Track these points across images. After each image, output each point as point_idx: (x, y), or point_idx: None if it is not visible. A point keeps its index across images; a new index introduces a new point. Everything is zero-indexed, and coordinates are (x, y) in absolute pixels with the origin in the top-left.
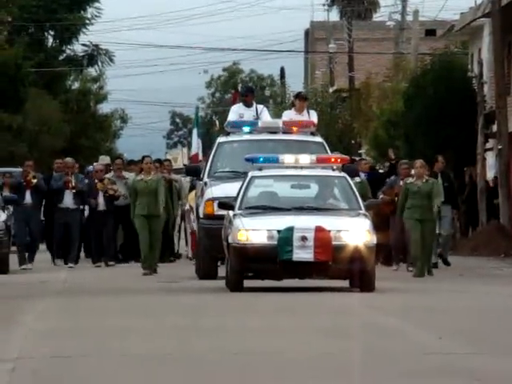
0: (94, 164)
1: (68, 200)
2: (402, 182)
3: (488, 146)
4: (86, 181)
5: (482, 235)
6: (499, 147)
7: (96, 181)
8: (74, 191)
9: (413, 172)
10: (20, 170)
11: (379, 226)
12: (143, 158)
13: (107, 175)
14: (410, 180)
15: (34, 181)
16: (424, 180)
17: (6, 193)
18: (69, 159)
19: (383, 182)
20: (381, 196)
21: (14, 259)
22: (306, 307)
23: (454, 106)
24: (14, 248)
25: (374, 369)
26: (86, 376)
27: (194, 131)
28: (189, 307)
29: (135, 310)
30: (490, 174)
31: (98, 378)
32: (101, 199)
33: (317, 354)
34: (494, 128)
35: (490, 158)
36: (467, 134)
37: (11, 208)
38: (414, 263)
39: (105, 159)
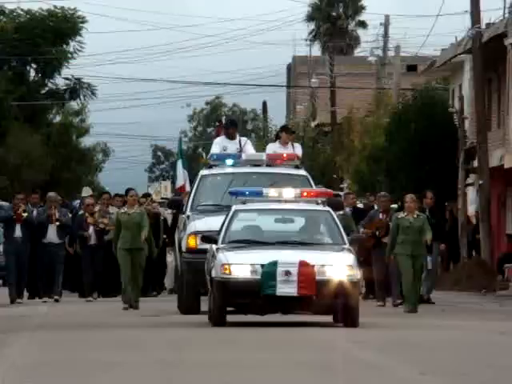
0: (84, 196)
1: (52, 234)
2: (381, 215)
3: (469, 180)
4: (70, 215)
5: (463, 270)
6: (480, 182)
7: (87, 214)
8: (57, 224)
9: (393, 205)
10: (4, 203)
11: (363, 260)
12: (127, 190)
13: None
14: (401, 215)
15: (25, 214)
16: (415, 215)
17: None
18: (51, 193)
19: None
20: (361, 230)
21: None
22: (288, 341)
23: (436, 141)
24: None
25: None
26: None
27: (179, 162)
28: (172, 341)
29: (118, 343)
30: (471, 209)
31: None
32: (92, 233)
33: None
34: (475, 163)
35: (471, 193)
36: (448, 169)
37: None
38: (408, 299)
39: (88, 191)
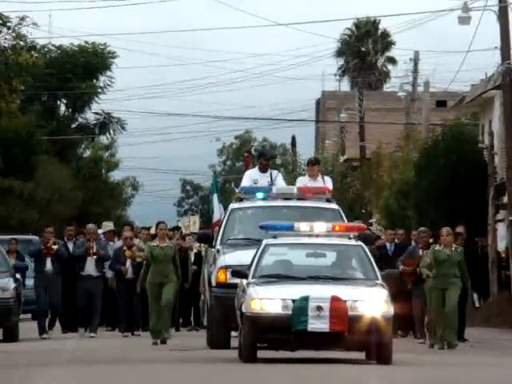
0: (103, 232)
1: (90, 267)
2: (421, 251)
3: (499, 217)
4: (109, 247)
5: (493, 306)
6: (510, 218)
7: (125, 248)
8: (95, 257)
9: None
10: (34, 237)
11: (398, 296)
12: (158, 224)
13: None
14: (438, 247)
15: (55, 247)
16: (453, 248)
17: (12, 259)
18: (91, 225)
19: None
20: (401, 266)
21: (22, 326)
22: (317, 378)
23: (465, 177)
24: (23, 316)
25: None
26: None
27: (215, 197)
28: (199, 377)
29: (144, 378)
30: (501, 245)
31: None
32: (129, 266)
33: None
34: (505, 199)
35: (501, 229)
36: (478, 205)
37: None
38: (434, 334)
39: (108, 225)
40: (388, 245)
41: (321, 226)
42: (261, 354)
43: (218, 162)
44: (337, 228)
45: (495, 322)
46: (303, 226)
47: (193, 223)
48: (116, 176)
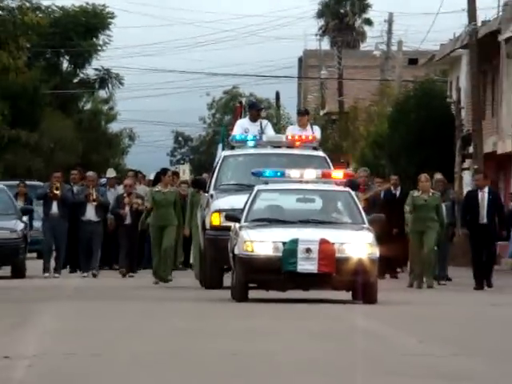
0: (108, 177)
1: (90, 213)
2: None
3: (465, 165)
4: (109, 194)
5: (458, 246)
6: (475, 167)
7: (125, 195)
8: (95, 204)
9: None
10: (39, 183)
11: (383, 239)
12: (164, 170)
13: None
14: (416, 193)
15: (57, 192)
16: (430, 193)
17: (21, 202)
18: (90, 173)
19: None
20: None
21: (28, 265)
22: (304, 315)
23: (434, 130)
24: (29, 255)
25: (357, 368)
26: (98, 372)
27: (219, 146)
28: (194, 312)
29: (143, 313)
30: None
31: (108, 374)
32: (127, 212)
33: (307, 355)
34: (471, 149)
35: (466, 177)
36: (446, 155)
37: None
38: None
39: (112, 172)
40: (393, 189)
41: (310, 173)
42: (252, 294)
43: (207, 115)
44: (325, 175)
45: (461, 261)
46: (294, 173)
47: (182, 172)
48: (114, 127)
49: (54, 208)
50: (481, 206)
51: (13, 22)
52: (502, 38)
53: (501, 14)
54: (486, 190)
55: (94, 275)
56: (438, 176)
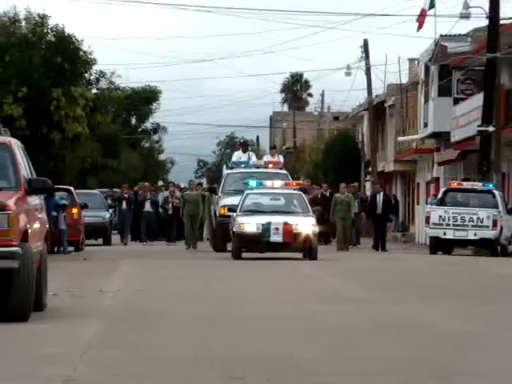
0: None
1: (147, 207)
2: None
3: (367, 178)
4: (159, 196)
5: (365, 226)
6: (372, 179)
7: (170, 196)
8: (149, 201)
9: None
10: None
11: (320, 221)
12: (190, 181)
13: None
14: (337, 195)
15: (125, 195)
16: (345, 194)
17: (109, 200)
18: (146, 183)
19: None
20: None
21: (112, 238)
22: (273, 267)
23: (349, 158)
24: (113, 231)
25: (304, 297)
26: (152, 300)
27: (224, 167)
28: (213, 265)
29: (178, 266)
30: (367, 193)
31: (158, 303)
32: (170, 206)
33: (277, 289)
34: (370, 169)
35: (368, 185)
36: (356, 172)
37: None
38: (340, 243)
39: (160, 183)
40: (325, 192)
41: (278, 183)
42: (244, 255)
43: (217, 149)
44: (287, 184)
45: (366, 235)
46: (268, 183)
47: (202, 183)
48: (162, 157)
49: (124, 205)
50: (378, 203)
51: (104, 97)
52: (386, 104)
53: (386, 91)
54: (382, 193)
55: (151, 245)
56: (352, 184)
